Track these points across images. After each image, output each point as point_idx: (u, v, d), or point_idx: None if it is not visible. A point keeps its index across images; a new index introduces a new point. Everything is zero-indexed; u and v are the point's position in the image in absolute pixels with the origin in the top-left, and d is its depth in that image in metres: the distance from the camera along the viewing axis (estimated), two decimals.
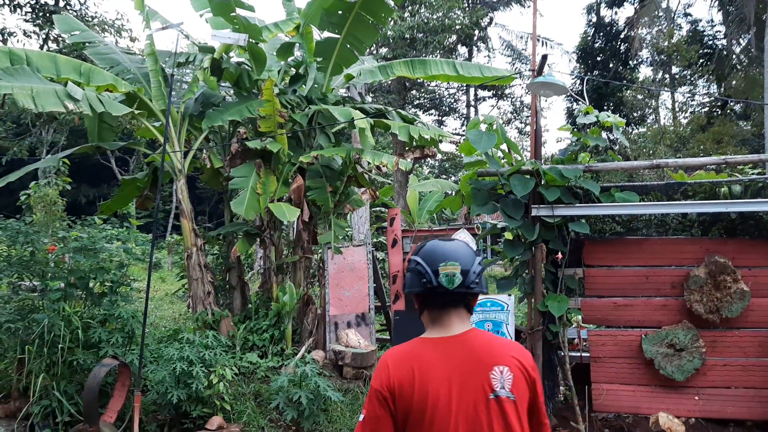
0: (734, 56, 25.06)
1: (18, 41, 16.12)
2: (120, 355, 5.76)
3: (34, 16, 15.38)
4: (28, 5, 15.23)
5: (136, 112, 7.64)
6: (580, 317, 5.55)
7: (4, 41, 15.39)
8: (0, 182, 7.85)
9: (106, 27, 16.07)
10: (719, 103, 25.65)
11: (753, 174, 5.68)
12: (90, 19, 15.69)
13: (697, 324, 5.20)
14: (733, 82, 24.71)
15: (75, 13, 15.16)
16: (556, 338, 5.42)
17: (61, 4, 15.12)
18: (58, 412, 5.48)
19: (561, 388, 6.11)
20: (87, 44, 8.75)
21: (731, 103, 24.10)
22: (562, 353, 5.42)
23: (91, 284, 6.20)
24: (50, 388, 5.54)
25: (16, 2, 15.11)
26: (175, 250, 22.62)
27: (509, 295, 5.58)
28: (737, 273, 5.10)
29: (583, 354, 5.63)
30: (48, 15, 14.63)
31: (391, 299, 8.35)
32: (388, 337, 9.07)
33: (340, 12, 7.98)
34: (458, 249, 2.14)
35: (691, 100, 27.80)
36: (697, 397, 5.22)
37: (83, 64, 7.39)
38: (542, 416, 2.14)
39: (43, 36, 15.70)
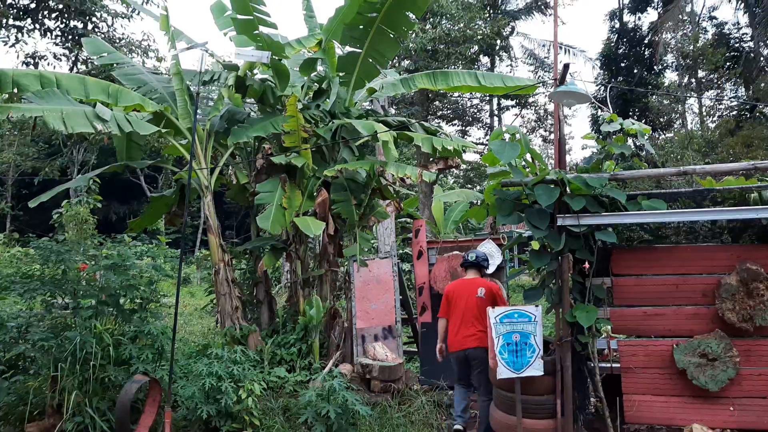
0: (762, 58, 24.65)
1: (48, 64, 16.46)
2: (150, 371, 5.82)
3: (64, 39, 15.76)
4: (58, 29, 15.61)
5: (163, 130, 7.76)
6: (609, 327, 5.48)
7: (35, 65, 15.79)
8: (32, 202, 8.03)
9: (133, 48, 16.40)
10: (748, 107, 25.23)
11: None
12: (117, 41, 16.03)
13: (729, 333, 5.10)
14: (762, 85, 24.28)
15: (103, 36, 15.49)
16: (585, 349, 5.36)
17: (90, 27, 15.44)
18: (91, 428, 5.55)
19: (592, 399, 6.03)
20: (115, 65, 8.93)
21: (760, 107, 23.68)
22: (592, 364, 5.36)
23: (121, 301, 6.29)
24: (83, 405, 5.61)
25: (46, 27, 15.50)
26: (204, 265, 22.84)
27: (537, 305, 5.52)
28: None
29: (614, 365, 5.55)
30: (77, 38, 14.97)
31: (418, 311, 8.33)
32: (416, 350, 9.03)
33: (361, 27, 8.04)
34: (478, 250, 6.84)
35: (719, 104, 27.39)
36: (732, 408, 5.11)
37: (111, 85, 7.53)
38: (500, 301, 6.14)
39: (73, 58, 16.07)
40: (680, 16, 27.06)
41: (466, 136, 32.84)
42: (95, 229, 12.41)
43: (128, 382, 5.39)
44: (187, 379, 6.09)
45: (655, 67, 29.69)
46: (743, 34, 27.85)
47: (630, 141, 5.58)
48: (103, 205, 14.24)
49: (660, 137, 27.42)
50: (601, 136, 5.99)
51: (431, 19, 20.03)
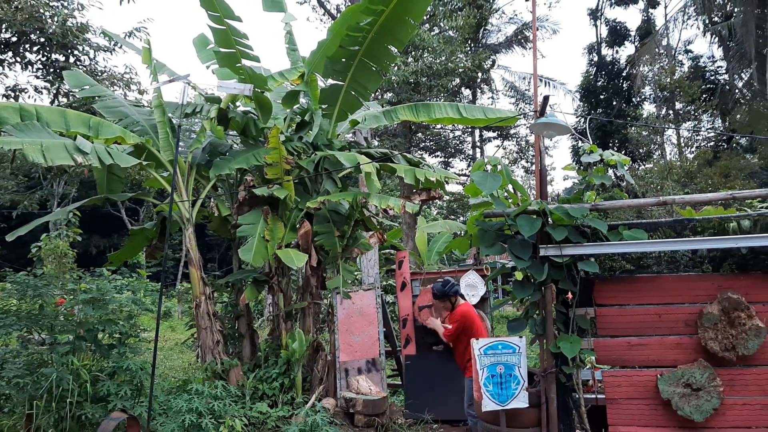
0: (737, 90, 25.24)
1: (29, 97, 16.35)
2: (129, 408, 5.69)
3: (45, 72, 15.69)
4: (39, 62, 15.56)
5: (144, 163, 7.72)
6: (593, 358, 5.46)
7: (16, 98, 15.70)
8: (10, 236, 7.90)
9: (115, 81, 16.32)
10: (725, 138, 25.70)
11: (762, 208, 5.63)
12: (99, 74, 15.98)
13: (713, 362, 5.10)
14: (738, 116, 24.78)
15: (85, 69, 15.43)
16: (570, 380, 5.32)
17: (72, 60, 15.42)
18: None
19: (578, 431, 5.97)
20: (96, 98, 8.90)
21: (737, 137, 24.14)
22: (577, 396, 5.32)
23: (99, 336, 6.17)
24: None
25: (27, 60, 15.45)
26: (185, 298, 22.54)
27: (520, 336, 5.49)
28: (751, 309, 5.01)
29: (599, 396, 5.51)
30: (58, 71, 14.93)
31: (402, 344, 8.26)
32: (400, 383, 8.94)
33: (343, 60, 8.12)
34: (450, 282, 6.69)
35: (697, 135, 27.90)
36: None
37: (92, 118, 7.50)
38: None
39: (54, 91, 15.99)
40: (657, 50, 27.67)
41: (448, 168, 33.00)
42: (74, 262, 12.25)
43: (105, 420, 5.25)
44: (166, 415, 5.97)
45: (633, 99, 30.27)
46: (718, 67, 28.58)
47: (610, 172, 5.64)
48: (83, 239, 14.08)
49: (639, 168, 27.77)
50: (581, 167, 6.04)
51: (413, 53, 20.29)
